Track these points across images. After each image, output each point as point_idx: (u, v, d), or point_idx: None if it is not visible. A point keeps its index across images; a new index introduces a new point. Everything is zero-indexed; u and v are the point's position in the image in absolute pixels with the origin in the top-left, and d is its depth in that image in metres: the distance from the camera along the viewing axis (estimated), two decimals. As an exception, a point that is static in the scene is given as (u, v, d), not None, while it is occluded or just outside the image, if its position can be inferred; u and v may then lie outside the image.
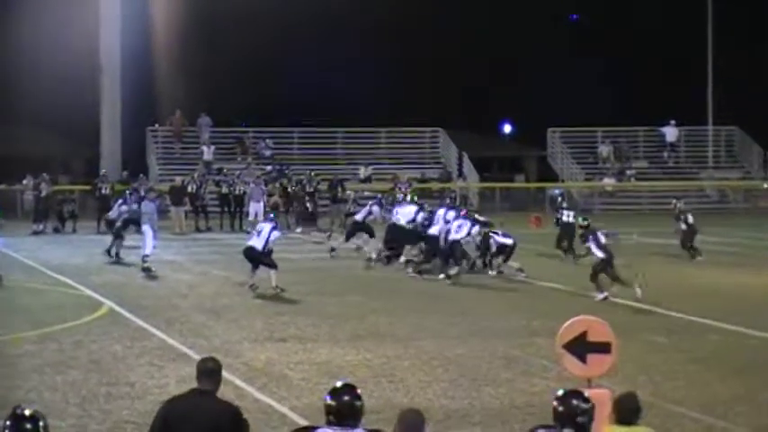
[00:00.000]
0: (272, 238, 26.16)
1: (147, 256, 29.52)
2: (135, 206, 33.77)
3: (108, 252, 32.47)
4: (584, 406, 8.09)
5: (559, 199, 37.52)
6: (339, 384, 8.40)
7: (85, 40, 54.75)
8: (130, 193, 36.56)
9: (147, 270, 29.05)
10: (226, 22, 62.67)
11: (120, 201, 35.88)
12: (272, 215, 29.37)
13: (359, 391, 8.29)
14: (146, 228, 29.94)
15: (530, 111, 62.76)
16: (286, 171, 50.12)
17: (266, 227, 26.59)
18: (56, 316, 22.10)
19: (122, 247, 32.43)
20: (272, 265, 25.90)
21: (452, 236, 28.56)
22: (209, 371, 9.10)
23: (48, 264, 31.15)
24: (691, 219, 34.35)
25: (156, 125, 58.36)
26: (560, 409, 8.09)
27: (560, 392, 8.24)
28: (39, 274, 29.22)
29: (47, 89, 59.28)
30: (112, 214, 35.64)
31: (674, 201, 36.82)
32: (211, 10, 61.83)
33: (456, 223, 28.84)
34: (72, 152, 67.45)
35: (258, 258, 26.09)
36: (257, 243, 26.19)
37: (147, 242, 29.69)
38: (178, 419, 8.90)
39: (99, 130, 54.96)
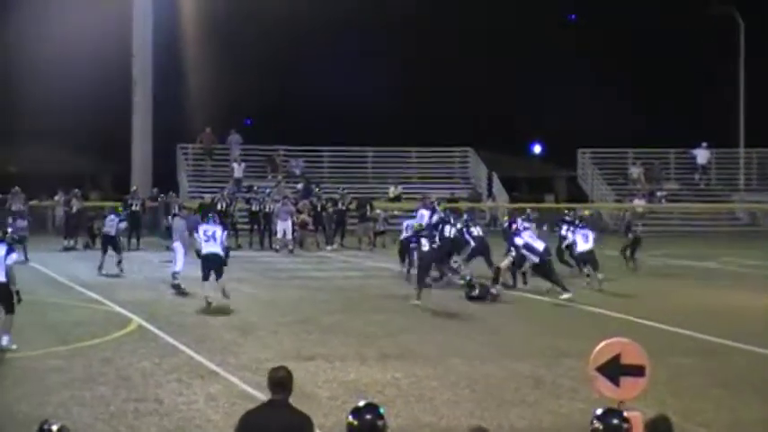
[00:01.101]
0: (224, 239, 27.20)
1: (177, 272, 29.56)
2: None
3: (99, 269, 33.08)
4: (625, 426, 8.07)
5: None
6: (362, 404, 8.42)
7: (117, 56, 55.06)
8: (124, 208, 37.07)
9: (176, 287, 29.10)
10: (256, 41, 62.83)
11: (113, 217, 35.24)
12: (215, 217, 29.52)
13: (382, 410, 8.29)
14: (177, 245, 30.01)
15: (560, 131, 62.62)
16: (315, 189, 50.17)
17: (218, 230, 27.22)
18: (85, 332, 22.16)
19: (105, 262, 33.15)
20: (222, 274, 26.49)
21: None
22: (281, 380, 9.20)
23: (77, 279, 31.26)
24: (638, 230, 35.57)
25: (189, 145, 58.50)
26: (599, 427, 8.06)
27: (599, 411, 8.22)
28: (68, 289, 29.32)
29: (77, 106, 59.61)
30: (111, 230, 34.62)
31: (625, 213, 37.51)
32: (242, 29, 62.06)
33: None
34: (102, 168, 67.69)
35: (219, 265, 26.60)
36: (217, 248, 26.80)
37: (177, 259, 29.75)
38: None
39: (129, 147, 55.19)
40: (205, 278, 26.69)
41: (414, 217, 34.29)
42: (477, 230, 32.19)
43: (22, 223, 38.21)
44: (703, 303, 28.22)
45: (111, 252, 33.50)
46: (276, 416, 9.05)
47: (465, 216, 34.07)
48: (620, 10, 65.53)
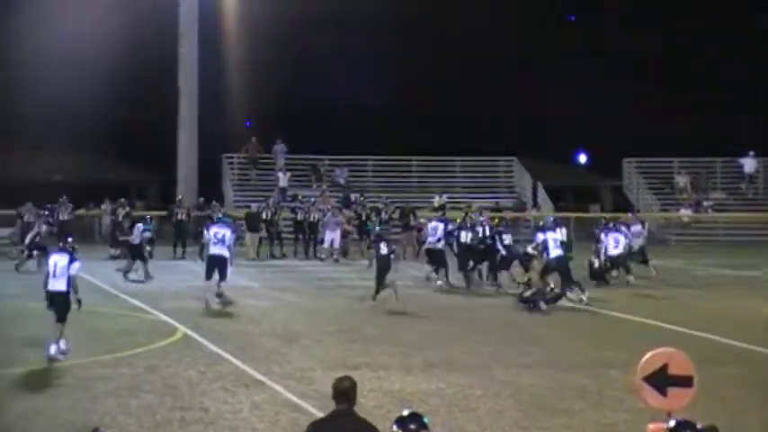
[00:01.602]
0: (232, 242, 28.30)
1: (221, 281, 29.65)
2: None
3: (125, 275, 34.07)
4: None
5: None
6: (406, 413, 8.44)
7: (164, 67, 55.42)
8: (150, 218, 37.98)
9: (220, 296, 29.19)
10: (303, 49, 63.07)
11: (140, 225, 36.03)
12: (226, 219, 31.17)
13: (426, 420, 8.31)
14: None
15: (605, 140, 62.39)
16: (360, 198, 50.16)
17: (228, 232, 28.27)
18: (130, 340, 22.29)
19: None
20: (226, 276, 27.38)
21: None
22: (346, 390, 9.24)
23: (123, 288, 31.44)
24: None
25: (234, 154, 58.73)
26: None
27: (672, 423, 8.22)
28: (114, 298, 29.48)
29: (122, 114, 60.09)
30: (135, 239, 35.61)
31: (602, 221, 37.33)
32: (288, 38, 62.30)
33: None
34: (149, 178, 68.13)
35: (223, 266, 27.60)
36: (224, 251, 27.80)
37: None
38: None
39: (175, 156, 55.48)
40: (208, 278, 27.63)
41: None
42: (508, 239, 32.49)
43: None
44: (748, 313, 28.03)
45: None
46: (344, 426, 9.08)
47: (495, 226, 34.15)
48: (668, 18, 65.29)
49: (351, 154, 58.16)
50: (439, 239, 33.74)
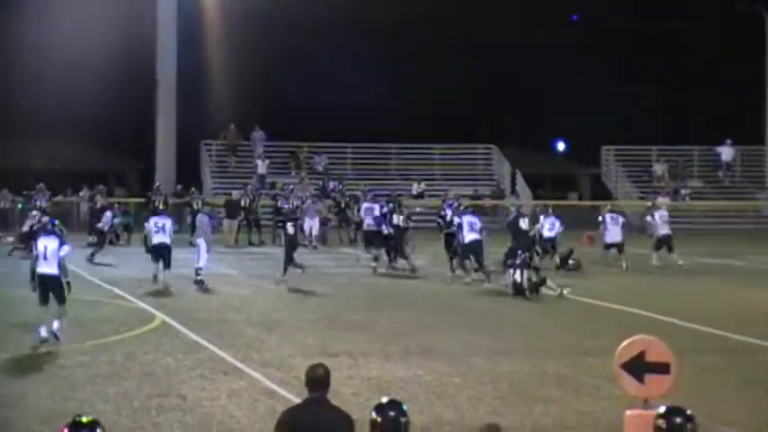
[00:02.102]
0: (171, 231, 29.93)
1: (200, 269, 29.68)
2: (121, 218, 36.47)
3: (91, 259, 34.91)
4: (689, 425, 8.09)
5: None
6: (385, 400, 8.45)
7: (142, 53, 55.27)
8: (118, 205, 39.84)
9: (199, 283, 29.20)
10: (280, 36, 62.91)
11: (109, 213, 38.56)
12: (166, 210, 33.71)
13: (405, 407, 8.32)
14: (199, 241, 30.19)
15: (584, 128, 62.46)
16: (339, 186, 50.14)
17: (168, 222, 30.09)
18: (109, 328, 22.25)
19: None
20: (170, 264, 29.01)
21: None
22: (320, 377, 9.23)
23: (101, 275, 31.39)
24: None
25: (213, 141, 58.63)
26: (662, 426, 8.07)
27: (662, 409, 8.23)
28: (92, 285, 29.40)
29: (102, 103, 59.78)
30: (104, 227, 37.99)
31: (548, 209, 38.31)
32: (265, 25, 62.13)
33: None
34: (127, 165, 67.93)
35: (168, 254, 29.16)
36: (166, 239, 29.40)
37: (200, 255, 29.87)
38: (303, 429, 9.03)
39: (153, 144, 55.36)
40: (156, 261, 29.39)
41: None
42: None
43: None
44: (728, 301, 28.17)
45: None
46: (318, 413, 9.06)
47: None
48: (645, 7, 65.35)
49: (330, 141, 58.11)
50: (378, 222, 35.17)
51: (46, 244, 20.23)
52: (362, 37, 64.49)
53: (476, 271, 30.86)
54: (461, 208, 33.82)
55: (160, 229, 29.55)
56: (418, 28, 64.87)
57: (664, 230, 36.82)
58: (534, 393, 16.85)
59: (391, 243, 33.97)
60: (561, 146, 75.41)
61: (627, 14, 65.73)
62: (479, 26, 64.93)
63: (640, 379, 11.23)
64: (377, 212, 36.40)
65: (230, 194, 46.07)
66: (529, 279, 28.07)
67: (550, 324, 24.04)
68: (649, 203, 43.38)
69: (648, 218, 38.82)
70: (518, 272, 28.11)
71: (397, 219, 34.03)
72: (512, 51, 64.70)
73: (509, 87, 63.09)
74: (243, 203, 44.11)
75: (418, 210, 46.82)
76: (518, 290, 27.93)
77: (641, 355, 11.27)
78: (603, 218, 36.80)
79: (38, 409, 15.21)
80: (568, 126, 67.03)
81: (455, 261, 32.28)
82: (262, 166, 54.80)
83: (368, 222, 36.54)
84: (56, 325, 20.00)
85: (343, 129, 57.62)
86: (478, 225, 31.05)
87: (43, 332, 19.87)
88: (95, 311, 24.70)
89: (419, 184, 55.14)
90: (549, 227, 35.13)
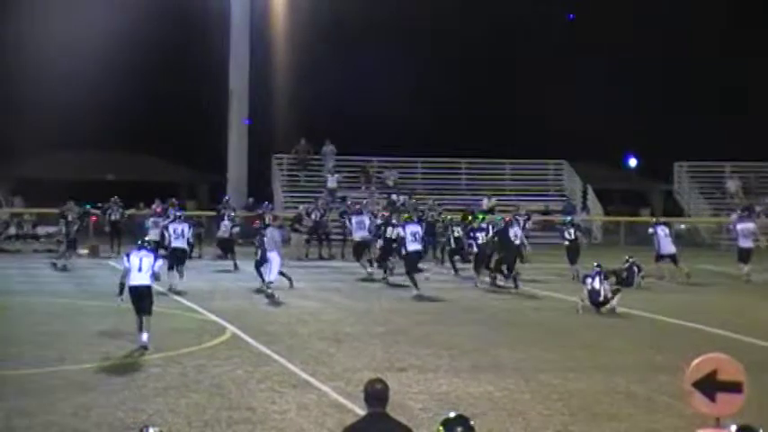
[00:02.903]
0: (190, 236, 32.49)
1: (271, 282, 29.87)
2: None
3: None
4: None
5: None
6: (452, 415, 8.42)
7: (215, 68, 55.69)
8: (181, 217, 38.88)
9: (270, 296, 29.34)
10: (352, 50, 63.15)
11: (227, 221, 39.55)
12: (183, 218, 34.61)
13: (472, 422, 8.29)
14: (272, 254, 30.24)
15: (656, 144, 62.09)
16: (407, 200, 50.13)
17: (186, 228, 32.53)
18: (180, 340, 22.39)
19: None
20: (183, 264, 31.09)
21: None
22: (380, 393, 9.20)
23: (173, 288, 31.56)
24: (569, 235, 36.85)
25: (284, 155, 58.92)
26: None
27: (734, 428, 8.18)
28: (163, 298, 29.58)
29: (174, 114, 60.38)
30: (225, 234, 39.53)
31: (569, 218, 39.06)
32: (338, 38, 62.40)
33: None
34: (199, 178, 68.50)
35: (185, 257, 31.41)
36: (184, 244, 32.07)
37: (272, 269, 29.99)
38: None
39: (225, 156, 55.73)
40: (171, 268, 30.94)
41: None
42: (482, 237, 34.63)
43: None
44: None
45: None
46: (380, 428, 9.06)
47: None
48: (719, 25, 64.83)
49: (400, 156, 58.15)
50: (370, 232, 37.31)
51: (142, 257, 21.63)
52: (434, 51, 64.63)
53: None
54: (404, 218, 35.08)
55: (179, 235, 32.08)
56: (492, 43, 64.86)
57: (746, 243, 37.35)
58: (605, 410, 16.72)
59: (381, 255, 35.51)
60: (633, 161, 74.99)
61: (695, 32, 65.18)
62: (552, 43, 64.78)
63: (712, 398, 11.10)
64: (367, 223, 38.42)
65: (298, 208, 46.28)
66: (612, 291, 28.07)
67: (617, 340, 23.86)
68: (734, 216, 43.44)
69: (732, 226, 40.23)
70: (596, 281, 27.96)
71: (391, 232, 35.06)
72: (584, 67, 64.48)
73: (581, 103, 62.80)
74: (314, 217, 44.23)
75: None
76: (597, 302, 27.76)
77: (713, 373, 11.14)
78: (655, 230, 36.64)
79: (109, 420, 15.32)
80: (641, 142, 66.69)
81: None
82: (332, 180, 54.94)
83: (361, 234, 38.14)
84: (144, 337, 21.10)
85: (413, 143, 57.66)
86: (420, 234, 32.22)
87: (144, 337, 21.21)
88: (166, 323, 24.83)
89: (489, 198, 54.98)
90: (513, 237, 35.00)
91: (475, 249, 34.81)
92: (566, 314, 27.88)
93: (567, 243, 36.86)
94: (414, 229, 32.25)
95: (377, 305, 29.20)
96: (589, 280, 28.14)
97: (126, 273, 21.67)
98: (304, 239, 44.06)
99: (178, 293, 30.28)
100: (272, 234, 31.06)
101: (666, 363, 19.98)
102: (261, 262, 31.16)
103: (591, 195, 57.62)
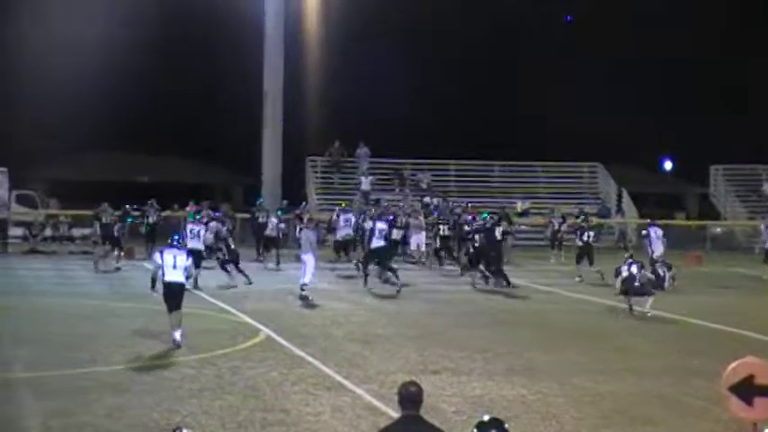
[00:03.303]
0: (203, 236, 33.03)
1: (305, 284, 29.87)
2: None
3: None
4: None
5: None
6: (486, 418, 8.41)
7: (250, 70, 55.80)
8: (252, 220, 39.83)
9: (304, 298, 29.38)
10: (386, 52, 63.18)
11: (274, 219, 40.14)
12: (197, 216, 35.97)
13: (506, 425, 8.28)
14: (307, 256, 30.19)
15: (692, 147, 61.83)
16: (440, 202, 50.09)
17: (202, 229, 33.45)
18: (214, 341, 22.45)
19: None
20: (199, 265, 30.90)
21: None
22: (414, 395, 9.18)
23: (207, 289, 31.67)
24: (588, 237, 36.85)
25: (318, 157, 59.00)
26: None
27: None
28: (198, 299, 29.69)
29: (209, 116, 60.53)
30: (272, 232, 40.39)
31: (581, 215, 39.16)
32: (372, 41, 62.45)
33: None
34: (233, 180, 68.70)
35: (200, 258, 31.47)
36: (200, 245, 32.47)
37: (306, 271, 29.99)
38: None
39: (259, 158, 55.83)
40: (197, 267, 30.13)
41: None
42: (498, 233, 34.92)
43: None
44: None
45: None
46: (413, 431, 9.05)
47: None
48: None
49: (433, 158, 58.13)
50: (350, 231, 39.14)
51: (175, 255, 22.06)
52: (463, 53, 64.58)
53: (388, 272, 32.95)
54: (373, 214, 36.73)
55: (195, 235, 32.76)
56: (522, 45, 64.73)
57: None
58: (638, 414, 16.66)
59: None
60: (669, 164, 74.69)
61: (727, 35, 64.85)
62: (589, 47, 64.60)
63: (749, 402, 11.04)
64: (353, 221, 40.51)
65: (334, 210, 46.25)
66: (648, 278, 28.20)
67: (648, 342, 23.77)
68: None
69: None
70: (633, 267, 27.87)
71: (397, 234, 36.56)
72: (618, 69, 64.29)
73: (617, 105, 62.61)
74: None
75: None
76: (634, 288, 27.66)
77: (750, 377, 11.09)
78: (648, 232, 36.60)
79: (143, 421, 15.39)
80: (677, 144, 66.42)
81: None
82: (366, 183, 54.97)
83: (345, 232, 40.46)
84: (177, 334, 21.55)
85: (446, 145, 57.65)
86: (386, 231, 33.08)
87: (177, 335, 21.64)
88: (200, 325, 24.92)
89: (523, 201, 54.88)
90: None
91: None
92: (595, 316, 27.84)
93: (580, 244, 36.95)
94: (381, 226, 33.33)
95: (408, 307, 29.19)
96: (625, 267, 27.96)
97: (158, 269, 22.12)
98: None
99: (211, 295, 30.38)
100: (307, 235, 31.04)
101: (700, 366, 19.89)
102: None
103: (626, 198, 57.41)
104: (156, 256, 22.58)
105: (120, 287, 32.76)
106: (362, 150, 57.72)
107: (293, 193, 53.86)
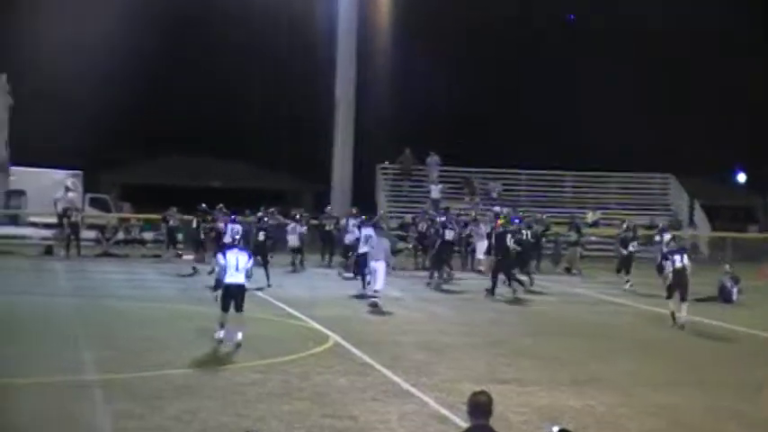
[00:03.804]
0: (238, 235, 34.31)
1: (377, 291, 29.86)
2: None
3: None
4: None
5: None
6: (555, 429, 8.43)
7: (321, 76, 56.07)
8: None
9: (374, 305, 29.41)
10: (460, 62, 63.20)
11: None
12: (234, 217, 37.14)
13: (576, 437, 8.32)
14: (380, 264, 30.16)
15: (766, 159, 61.21)
16: (510, 212, 49.96)
17: (240, 229, 35.42)
18: (283, 347, 22.58)
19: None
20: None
21: None
22: (484, 404, 9.22)
23: (276, 295, 31.85)
24: (633, 247, 37.51)
25: (389, 165, 59.13)
26: None
27: None
28: (267, 305, 29.89)
29: (280, 123, 60.82)
30: (349, 240, 38.99)
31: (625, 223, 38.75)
32: (444, 48, 62.47)
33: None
34: (303, 187, 69.01)
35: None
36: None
37: (379, 277, 29.97)
38: None
39: (329, 165, 56.06)
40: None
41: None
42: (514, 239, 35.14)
43: None
44: None
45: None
46: None
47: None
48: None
49: (504, 167, 58.04)
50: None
51: (238, 257, 22.58)
52: (544, 64, 64.40)
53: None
54: (363, 220, 37.15)
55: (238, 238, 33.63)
56: (594, 55, 64.45)
57: None
58: (708, 428, 16.55)
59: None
60: (742, 177, 74.01)
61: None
62: (656, 51, 64.17)
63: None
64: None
65: (403, 218, 46.39)
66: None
67: (714, 355, 23.62)
68: None
69: None
70: (683, 258, 27.76)
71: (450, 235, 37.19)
72: (692, 81, 63.85)
73: (690, 117, 62.19)
74: (420, 228, 44.14)
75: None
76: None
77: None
78: (661, 237, 37.46)
79: (212, 425, 15.51)
80: (749, 155, 65.80)
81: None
82: (435, 191, 55.00)
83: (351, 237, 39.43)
84: (239, 335, 22.09)
85: (518, 155, 57.53)
86: (374, 241, 31.98)
87: (222, 333, 22.18)
88: (269, 330, 25.11)
89: (594, 212, 54.64)
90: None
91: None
92: (662, 328, 27.65)
93: (625, 253, 37.06)
94: (368, 232, 32.95)
95: (476, 316, 29.18)
96: (678, 257, 27.83)
97: (222, 270, 22.64)
98: (411, 247, 44.18)
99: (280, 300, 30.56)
100: (379, 241, 30.97)
101: (766, 380, 19.70)
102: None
103: (698, 210, 56.96)
104: (220, 257, 23.12)
105: (192, 291, 33.01)
106: (433, 159, 57.78)
107: (363, 200, 54.02)
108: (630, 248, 37.38)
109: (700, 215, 56.87)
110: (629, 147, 60.65)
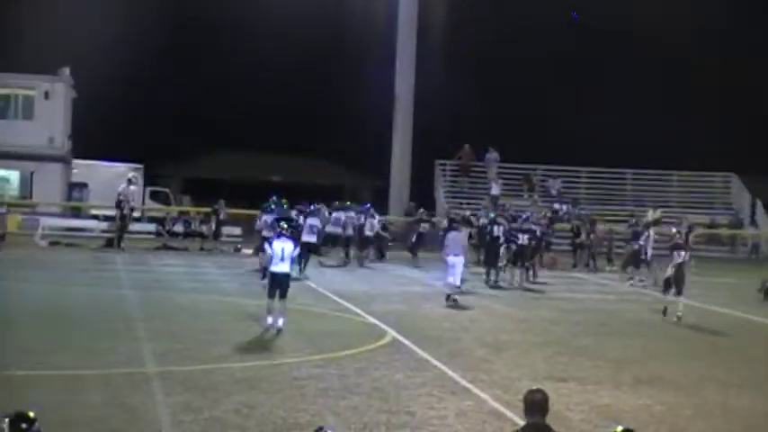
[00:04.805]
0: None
1: (457, 287, 29.90)
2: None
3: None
4: None
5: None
6: (619, 429, 8.38)
7: (381, 73, 56.10)
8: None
9: (453, 300, 29.36)
10: (513, 59, 62.99)
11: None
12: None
13: (638, 437, 8.24)
14: (454, 259, 30.08)
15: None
16: (570, 209, 49.76)
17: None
18: (340, 342, 22.60)
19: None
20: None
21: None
22: (540, 403, 9.19)
23: (334, 290, 31.91)
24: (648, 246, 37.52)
25: (447, 161, 59.04)
26: None
27: None
28: (325, 299, 29.95)
29: (339, 118, 60.91)
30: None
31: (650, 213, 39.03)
32: (504, 44, 62.28)
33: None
34: (361, 182, 69.07)
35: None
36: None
37: (456, 273, 29.89)
38: None
39: (388, 161, 56.07)
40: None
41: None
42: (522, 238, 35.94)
43: None
44: None
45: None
46: None
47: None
48: None
49: (564, 165, 57.81)
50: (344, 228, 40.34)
51: (283, 246, 23.24)
52: (603, 63, 64.05)
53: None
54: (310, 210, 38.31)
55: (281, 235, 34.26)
56: (650, 53, 64.02)
57: None
58: (771, 431, 16.39)
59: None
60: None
61: None
62: (713, 50, 63.64)
63: None
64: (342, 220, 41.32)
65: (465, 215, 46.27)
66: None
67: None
68: None
69: None
70: (681, 252, 28.10)
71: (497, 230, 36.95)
72: (755, 78, 63.22)
73: (751, 113, 61.58)
74: (477, 224, 44.02)
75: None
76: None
77: None
78: (648, 234, 37.46)
79: (271, 419, 15.54)
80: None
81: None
82: (495, 188, 54.87)
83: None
84: (281, 322, 22.92)
85: (578, 152, 57.26)
86: (318, 228, 35.36)
87: (270, 320, 23.03)
88: (327, 325, 25.15)
89: (655, 210, 54.20)
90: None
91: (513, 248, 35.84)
92: (726, 328, 27.42)
93: (636, 248, 37.96)
94: (312, 221, 35.77)
95: (535, 314, 29.09)
96: (679, 252, 28.46)
97: (270, 259, 23.41)
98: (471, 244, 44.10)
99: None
100: (455, 236, 30.83)
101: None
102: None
103: (759, 209, 56.44)
104: (267, 247, 24.06)
105: (252, 285, 33.06)
106: (492, 155, 57.65)
107: (422, 196, 54.00)
108: (641, 242, 37.27)
109: (761, 214, 56.32)
110: (688, 145, 60.18)
